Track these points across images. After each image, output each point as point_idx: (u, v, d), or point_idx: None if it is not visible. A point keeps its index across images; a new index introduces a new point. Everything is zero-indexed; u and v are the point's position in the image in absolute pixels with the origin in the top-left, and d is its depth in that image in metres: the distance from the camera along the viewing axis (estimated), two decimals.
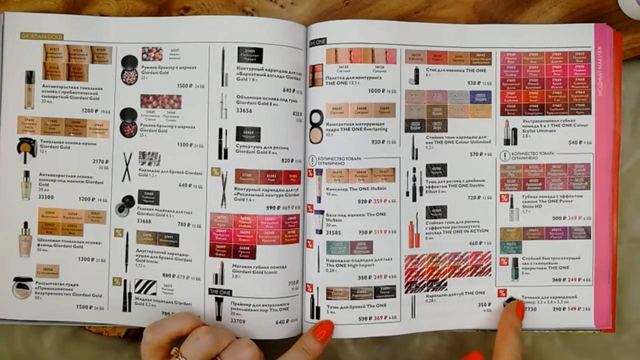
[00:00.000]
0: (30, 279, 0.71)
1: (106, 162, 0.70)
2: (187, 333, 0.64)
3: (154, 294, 0.70)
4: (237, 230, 0.68)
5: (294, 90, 0.68)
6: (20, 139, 0.70)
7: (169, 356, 0.64)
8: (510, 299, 0.70)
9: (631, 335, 0.74)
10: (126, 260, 0.70)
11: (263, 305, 0.68)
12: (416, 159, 0.69)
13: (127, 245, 0.70)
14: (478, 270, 0.70)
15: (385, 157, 0.68)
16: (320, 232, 0.68)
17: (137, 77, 0.70)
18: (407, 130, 0.69)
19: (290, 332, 0.69)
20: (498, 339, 0.67)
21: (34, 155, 0.70)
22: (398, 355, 0.74)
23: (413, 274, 0.69)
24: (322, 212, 0.68)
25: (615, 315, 0.71)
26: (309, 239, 0.69)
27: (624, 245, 0.73)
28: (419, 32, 0.69)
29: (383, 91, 0.68)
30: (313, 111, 0.68)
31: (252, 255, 0.68)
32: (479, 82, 0.70)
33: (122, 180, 0.70)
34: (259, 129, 0.67)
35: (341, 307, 0.68)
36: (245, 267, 0.68)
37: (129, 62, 0.70)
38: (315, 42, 0.68)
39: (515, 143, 0.70)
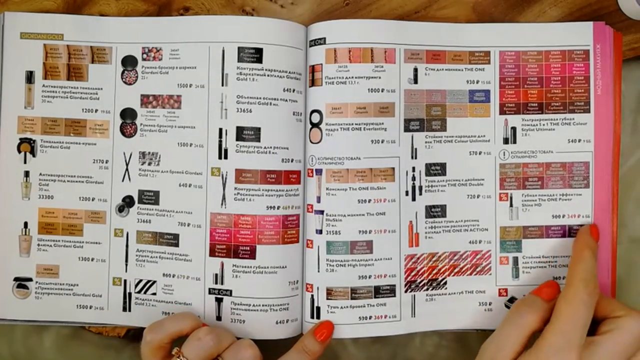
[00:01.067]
0: (30, 279, 0.71)
1: (106, 162, 0.71)
2: (188, 333, 0.64)
3: (154, 294, 0.70)
4: (237, 230, 0.68)
5: (294, 90, 0.69)
6: (20, 139, 0.70)
7: (170, 356, 0.64)
8: (512, 299, 0.70)
9: None
10: (126, 260, 0.71)
11: (263, 305, 0.68)
12: (415, 158, 0.69)
13: (127, 245, 0.71)
14: (478, 269, 0.70)
15: (385, 156, 0.68)
16: (320, 232, 0.68)
17: (137, 77, 0.70)
18: (407, 129, 0.69)
19: (290, 332, 0.69)
20: (572, 259, 0.65)
21: (34, 155, 0.70)
22: (398, 355, 0.74)
23: (413, 273, 0.69)
24: (322, 212, 0.68)
25: None
26: (309, 239, 0.69)
27: (624, 245, 0.73)
28: (417, 31, 0.69)
29: (382, 91, 0.68)
30: (313, 111, 0.68)
31: (252, 255, 0.68)
32: (477, 81, 0.70)
33: (122, 180, 0.71)
34: (259, 129, 0.68)
35: (341, 307, 0.68)
36: (245, 267, 0.68)
37: (129, 62, 0.70)
38: (315, 42, 0.68)
39: (515, 142, 0.70)
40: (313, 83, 0.69)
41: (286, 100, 0.68)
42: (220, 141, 0.68)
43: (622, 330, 0.60)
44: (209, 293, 0.69)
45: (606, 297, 0.64)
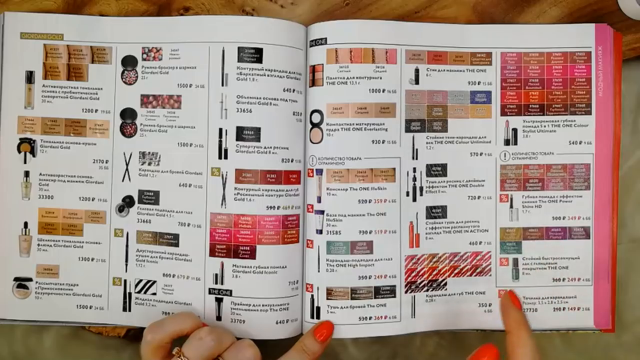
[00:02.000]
0: (30, 279, 0.71)
1: (106, 162, 0.70)
2: (188, 333, 0.64)
3: (154, 294, 0.70)
4: (237, 230, 0.68)
5: (294, 90, 0.68)
6: (20, 139, 0.70)
7: (170, 356, 0.64)
8: None
9: (631, 335, 0.74)
10: (126, 260, 0.70)
11: (263, 305, 0.68)
12: (416, 159, 0.69)
13: (127, 245, 0.70)
14: (478, 270, 0.70)
15: (386, 157, 0.68)
16: (321, 232, 0.68)
17: (137, 77, 0.70)
18: (408, 130, 0.69)
19: (290, 332, 0.69)
20: (511, 341, 0.62)
21: (34, 155, 0.70)
22: (398, 355, 0.74)
23: (413, 274, 0.69)
24: (322, 212, 0.68)
25: (615, 315, 0.71)
26: (309, 239, 0.69)
27: (624, 245, 0.73)
28: (419, 32, 0.69)
29: (383, 91, 0.68)
30: (313, 111, 0.68)
31: (252, 255, 0.68)
32: (479, 82, 0.70)
33: (122, 180, 0.70)
34: (259, 129, 0.67)
35: (341, 307, 0.68)
36: (245, 267, 0.68)
37: (129, 62, 0.70)
38: (316, 42, 0.68)
39: (516, 143, 0.70)
40: (314, 83, 0.69)
41: (286, 100, 0.68)
42: (220, 141, 0.68)
43: None
44: (209, 293, 0.69)
45: None
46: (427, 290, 0.70)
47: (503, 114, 0.70)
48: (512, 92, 0.70)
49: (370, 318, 0.68)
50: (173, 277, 0.69)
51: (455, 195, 0.70)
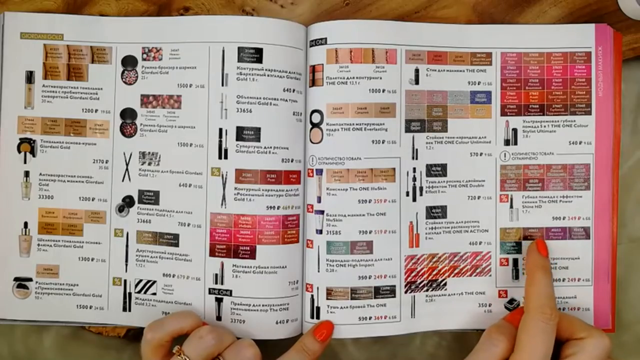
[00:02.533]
0: (30, 279, 0.71)
1: (106, 162, 0.70)
2: (188, 332, 0.64)
3: (154, 294, 0.70)
4: (237, 230, 0.68)
5: (294, 90, 0.68)
6: (20, 139, 0.70)
7: (170, 355, 0.64)
8: (512, 300, 0.70)
9: (631, 335, 0.74)
10: (126, 260, 0.70)
11: (263, 305, 0.68)
12: (416, 159, 0.69)
13: (127, 245, 0.70)
14: (478, 271, 0.70)
15: (386, 157, 0.68)
16: (321, 232, 0.68)
17: (137, 77, 0.70)
18: (407, 130, 0.69)
19: (290, 332, 0.69)
20: (526, 282, 0.66)
21: (34, 155, 0.70)
22: (398, 355, 0.74)
23: (413, 274, 0.69)
24: (322, 212, 0.68)
25: (615, 315, 0.71)
26: (309, 239, 0.69)
27: (624, 245, 0.73)
28: (419, 32, 0.69)
29: (383, 91, 0.68)
30: (313, 111, 0.68)
31: (252, 255, 0.68)
32: (479, 83, 0.70)
33: (122, 180, 0.70)
34: (259, 129, 0.67)
35: (341, 307, 0.68)
36: (245, 267, 0.68)
37: (129, 62, 0.70)
38: (316, 42, 0.68)
39: (516, 143, 0.70)
40: (314, 83, 0.69)
41: (286, 100, 0.68)
42: (220, 141, 0.68)
43: (584, 354, 0.61)
44: (209, 293, 0.69)
45: (567, 315, 0.65)
46: (427, 290, 0.70)
47: (503, 114, 0.70)
48: (512, 92, 0.70)
49: (370, 318, 0.68)
50: (173, 277, 0.70)
51: (455, 195, 0.70)
